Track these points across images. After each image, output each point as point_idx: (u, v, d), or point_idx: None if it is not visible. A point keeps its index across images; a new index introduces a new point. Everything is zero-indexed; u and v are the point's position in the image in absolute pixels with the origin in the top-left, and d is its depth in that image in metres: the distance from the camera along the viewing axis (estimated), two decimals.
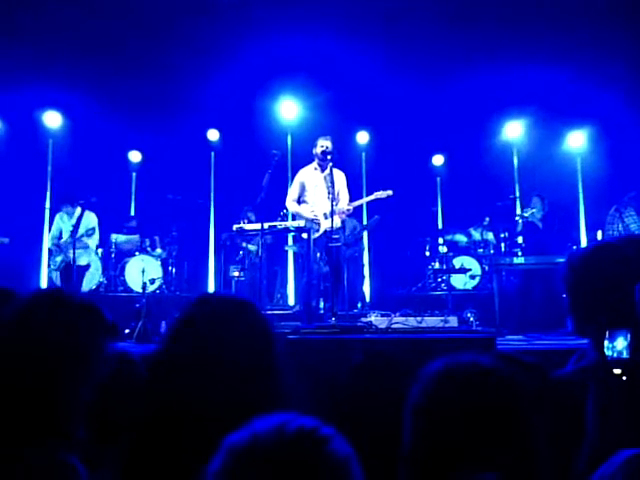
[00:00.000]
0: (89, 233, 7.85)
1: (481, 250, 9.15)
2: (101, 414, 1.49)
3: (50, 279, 8.26)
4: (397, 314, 4.96)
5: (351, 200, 6.28)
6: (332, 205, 5.54)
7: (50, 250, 8.26)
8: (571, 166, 10.35)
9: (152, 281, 8.08)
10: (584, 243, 9.56)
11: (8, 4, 7.62)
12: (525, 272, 7.39)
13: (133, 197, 10.70)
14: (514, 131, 10.28)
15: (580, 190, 10.45)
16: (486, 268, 8.68)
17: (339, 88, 8.99)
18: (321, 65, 8.58)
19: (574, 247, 7.99)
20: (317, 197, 6.08)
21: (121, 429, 1.60)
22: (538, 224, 7.84)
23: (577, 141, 10.20)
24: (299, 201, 6.20)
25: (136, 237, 8.97)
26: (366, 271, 9.52)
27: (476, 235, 9.30)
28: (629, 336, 1.67)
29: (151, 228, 9.26)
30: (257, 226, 5.79)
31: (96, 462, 1.45)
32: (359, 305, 8.43)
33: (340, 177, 6.20)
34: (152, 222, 9.44)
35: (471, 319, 6.75)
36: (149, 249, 8.80)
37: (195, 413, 1.49)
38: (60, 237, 8.10)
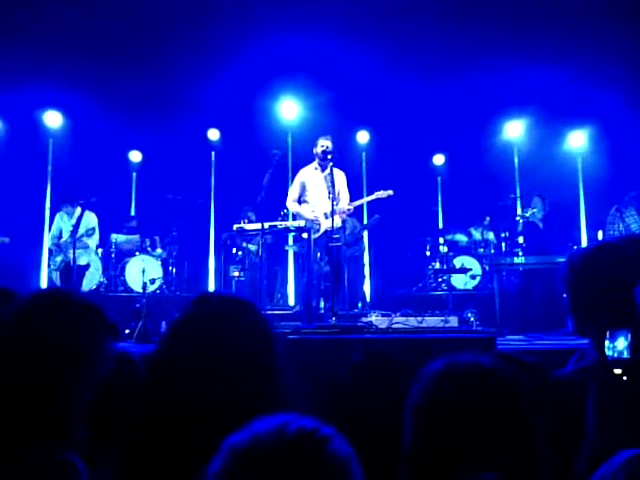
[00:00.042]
0: (89, 233, 7.85)
1: (482, 250, 9.15)
2: (101, 414, 1.49)
3: (50, 279, 8.26)
4: (397, 314, 4.96)
5: (351, 200, 6.28)
6: (332, 205, 5.54)
7: (50, 250, 8.27)
8: (572, 166, 10.35)
9: (152, 281, 8.08)
10: (585, 243, 9.56)
11: (8, 4, 7.62)
12: (526, 272, 7.39)
13: (133, 197, 10.70)
14: (515, 131, 10.28)
15: (581, 190, 10.45)
16: (487, 268, 8.68)
17: (339, 88, 8.99)
18: (321, 65, 8.58)
19: (575, 247, 7.99)
20: (317, 197, 6.08)
21: (121, 429, 1.60)
22: (539, 224, 7.84)
23: (578, 141, 10.20)
24: (299, 201, 6.20)
25: (136, 237, 8.97)
26: (366, 271, 9.51)
27: (477, 235, 9.30)
28: (630, 336, 1.67)
29: (151, 228, 9.26)
30: (257, 226, 5.79)
31: (96, 462, 1.44)
32: (359, 305, 8.43)
33: (340, 177, 6.20)
34: (152, 222, 9.44)
35: (471, 319, 6.75)
36: (149, 249, 8.80)
37: (195, 413, 1.49)
38: (60, 237, 8.10)
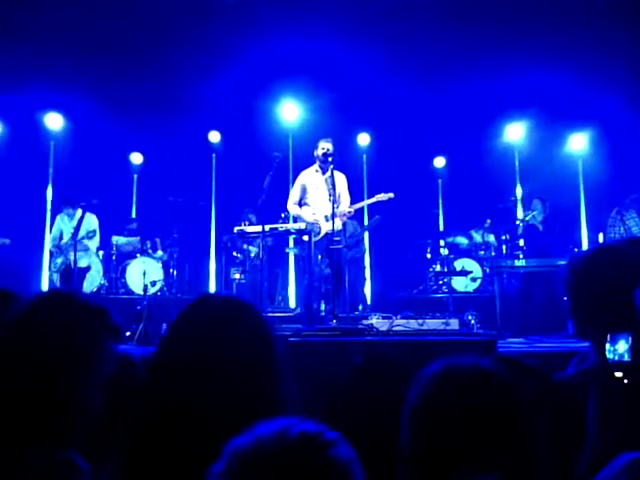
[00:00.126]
0: (90, 235, 7.84)
1: (482, 252, 9.14)
2: (102, 417, 1.49)
3: (51, 281, 8.26)
4: (398, 316, 4.95)
5: (352, 202, 6.28)
6: (333, 207, 5.55)
7: (51, 252, 8.26)
8: (572, 168, 10.35)
9: (153, 283, 8.08)
10: (585, 246, 9.56)
11: (8, 4, 7.63)
12: (526, 275, 7.38)
13: (134, 199, 10.71)
14: (515, 133, 10.28)
15: (582, 192, 10.45)
16: (487, 270, 8.68)
17: (340, 90, 8.99)
18: (322, 67, 8.59)
19: (575, 250, 7.99)
20: (318, 199, 6.08)
21: (122, 432, 1.60)
22: (539, 226, 7.84)
23: (578, 143, 10.20)
24: (300, 203, 6.20)
25: (136, 239, 8.97)
26: (367, 273, 9.52)
27: (477, 237, 9.29)
28: (630, 339, 1.67)
29: (152, 230, 9.27)
30: (258, 228, 5.78)
31: (97, 464, 1.44)
32: (360, 307, 8.43)
33: (341, 179, 6.20)
34: (153, 224, 9.45)
35: (472, 322, 6.75)
36: (150, 251, 8.81)
37: (195, 415, 1.49)
38: (61, 239, 8.09)
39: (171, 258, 8.93)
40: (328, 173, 5.97)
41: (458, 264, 8.89)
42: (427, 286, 9.28)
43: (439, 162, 10.68)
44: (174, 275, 8.95)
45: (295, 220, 6.46)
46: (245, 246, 8.57)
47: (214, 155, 10.45)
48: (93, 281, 8.14)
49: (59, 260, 7.97)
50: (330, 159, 5.94)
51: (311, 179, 6.16)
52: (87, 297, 1.56)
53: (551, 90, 8.76)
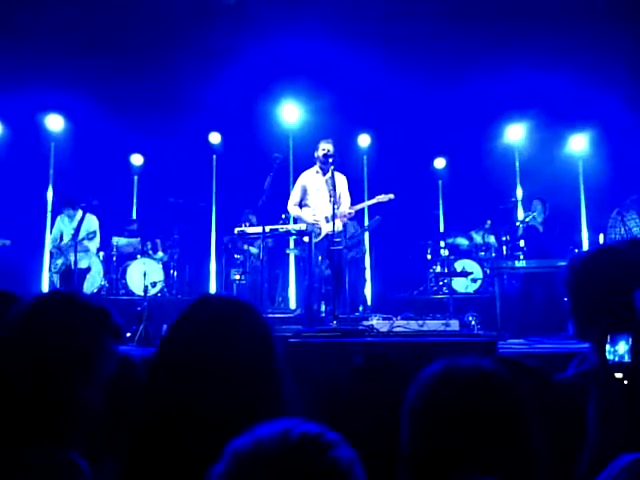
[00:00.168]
0: (90, 236, 7.84)
1: (482, 253, 9.14)
2: (102, 418, 1.49)
3: (51, 282, 8.26)
4: (398, 317, 4.96)
5: (352, 203, 6.29)
6: (333, 208, 5.55)
7: (51, 253, 8.27)
8: (573, 169, 10.35)
9: (153, 284, 8.08)
10: (586, 246, 9.56)
11: (8, 4, 7.63)
12: (526, 276, 7.38)
13: (135, 200, 10.72)
14: (516, 134, 10.28)
15: (582, 193, 10.45)
16: (487, 271, 8.67)
17: (341, 91, 9.00)
18: (323, 68, 8.59)
19: (576, 250, 7.99)
20: (319, 200, 6.08)
21: (122, 432, 1.60)
22: (539, 227, 7.84)
23: (579, 144, 10.19)
24: (301, 204, 6.21)
25: (137, 240, 8.98)
26: (368, 274, 9.51)
27: (478, 238, 9.29)
28: (631, 340, 1.67)
29: (153, 231, 9.27)
30: (259, 229, 5.78)
31: (97, 465, 1.45)
32: (360, 308, 8.42)
33: (342, 180, 6.21)
34: (154, 225, 9.45)
35: (472, 323, 6.76)
36: (151, 252, 8.81)
37: (195, 416, 1.49)
38: (61, 240, 8.09)
39: (171, 259, 8.93)
40: (329, 174, 5.97)
41: (458, 265, 8.89)
42: (427, 287, 9.28)
43: (439, 163, 10.67)
44: (174, 276, 8.95)
45: (295, 221, 6.47)
46: (245, 247, 8.58)
47: (215, 156, 10.45)
48: (93, 282, 8.15)
49: (59, 261, 7.97)
50: (330, 160, 5.95)
51: (311, 180, 6.16)
52: (87, 298, 1.57)
53: (551, 91, 8.76)
